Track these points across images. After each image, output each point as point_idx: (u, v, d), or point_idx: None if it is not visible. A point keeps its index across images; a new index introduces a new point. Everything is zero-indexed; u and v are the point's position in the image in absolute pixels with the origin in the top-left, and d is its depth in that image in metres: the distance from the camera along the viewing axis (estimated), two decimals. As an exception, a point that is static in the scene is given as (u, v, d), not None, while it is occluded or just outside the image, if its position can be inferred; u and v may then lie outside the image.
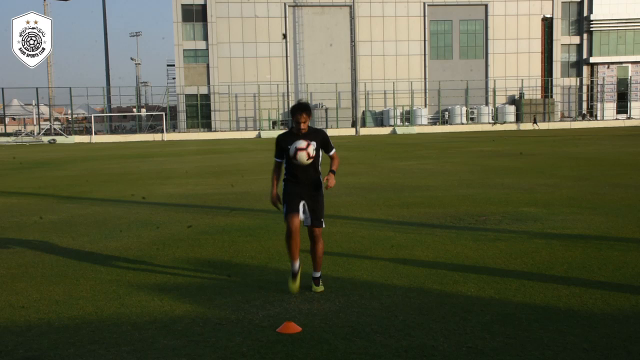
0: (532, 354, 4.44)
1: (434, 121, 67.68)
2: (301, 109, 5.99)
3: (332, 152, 6.28)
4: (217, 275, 6.94)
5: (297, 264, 6.05)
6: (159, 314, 5.61)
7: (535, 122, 61.85)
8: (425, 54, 68.06)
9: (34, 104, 65.30)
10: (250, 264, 7.44)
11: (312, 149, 5.94)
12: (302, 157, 5.92)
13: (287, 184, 6.20)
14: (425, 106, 68.04)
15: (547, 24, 69.75)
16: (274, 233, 9.20)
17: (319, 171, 6.22)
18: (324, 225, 6.23)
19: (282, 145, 6.09)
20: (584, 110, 72.79)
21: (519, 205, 11.47)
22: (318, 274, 6.26)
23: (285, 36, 65.43)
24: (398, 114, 65.67)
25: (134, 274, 7.07)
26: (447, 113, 67.54)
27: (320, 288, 6.19)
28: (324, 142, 6.17)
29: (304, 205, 6.08)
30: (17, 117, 74.66)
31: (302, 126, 6.01)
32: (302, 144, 5.92)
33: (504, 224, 9.63)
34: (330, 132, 59.53)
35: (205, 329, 5.14)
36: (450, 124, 65.53)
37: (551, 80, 70.06)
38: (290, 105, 63.08)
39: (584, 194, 12.75)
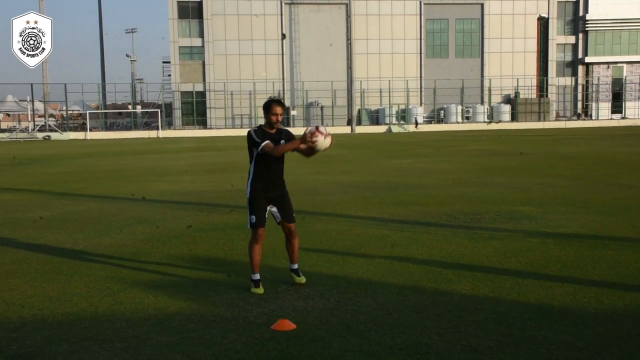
0: (526, 353, 4.45)
1: (429, 120, 67.69)
2: (278, 102, 6.08)
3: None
4: (212, 272, 6.93)
5: (258, 274, 6.21)
6: (153, 310, 5.60)
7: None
8: (421, 53, 68.07)
9: (28, 100, 64.98)
10: (245, 262, 7.41)
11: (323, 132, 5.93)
12: (325, 142, 5.91)
13: (253, 186, 6.14)
14: (421, 105, 68.06)
15: (543, 24, 69.82)
16: (269, 231, 9.16)
17: (283, 170, 6.30)
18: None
19: (255, 143, 6.00)
20: (579, 110, 72.94)
21: (513, 204, 11.49)
22: (296, 266, 6.41)
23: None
24: (394, 112, 65.68)
25: (129, 271, 7.06)
26: (442, 112, 67.60)
27: (303, 279, 6.32)
28: (288, 139, 6.15)
29: (269, 209, 6.21)
30: (12, 113, 74.35)
31: (279, 118, 6.07)
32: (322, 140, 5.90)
33: (498, 222, 9.65)
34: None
35: (200, 326, 5.14)
36: (446, 123, 65.59)
37: (546, 80, 70.17)
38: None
39: (579, 193, 12.78)
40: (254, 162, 6.15)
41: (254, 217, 6.13)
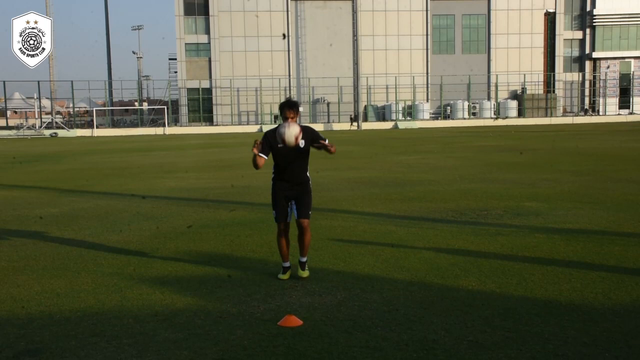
0: (533, 348, 4.45)
1: (435, 116, 67.57)
2: (289, 105, 6.28)
3: (322, 141, 6.31)
4: (218, 268, 6.95)
5: (288, 263, 6.48)
6: (160, 307, 5.62)
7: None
8: (427, 49, 67.85)
9: (35, 98, 65.17)
10: (251, 258, 7.45)
11: (300, 137, 6.11)
12: (291, 134, 6.03)
13: (275, 183, 6.41)
14: (427, 101, 67.90)
15: (550, 19, 69.48)
16: (275, 227, 9.18)
17: (307, 168, 6.44)
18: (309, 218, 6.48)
19: (271, 143, 6.26)
20: (586, 106, 72.63)
21: (520, 199, 11.47)
22: (304, 259, 6.50)
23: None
24: (400, 108, 65.60)
25: (136, 267, 7.08)
26: (449, 108, 67.44)
27: (306, 273, 6.43)
28: (314, 137, 6.30)
29: (291, 204, 6.40)
30: (19, 110, 74.61)
31: (290, 122, 6.20)
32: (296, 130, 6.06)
33: (505, 218, 9.63)
34: (332, 127, 59.66)
35: (207, 322, 5.16)
36: (452, 119, 65.46)
37: (553, 75, 69.86)
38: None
39: (586, 189, 12.74)
40: (273, 160, 6.38)
41: (274, 212, 6.46)
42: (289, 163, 6.26)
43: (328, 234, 8.58)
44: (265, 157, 6.28)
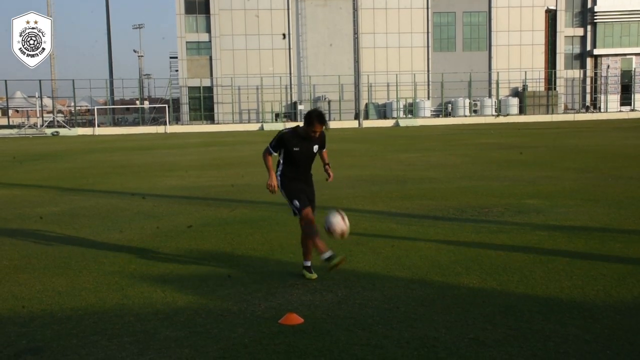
0: (534, 346, 4.45)
1: (436, 113, 67.52)
2: (320, 119, 6.12)
3: (324, 150, 6.54)
4: (219, 267, 6.95)
5: (329, 253, 6.08)
6: (161, 305, 5.62)
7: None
8: (428, 46, 67.79)
9: (37, 96, 65.16)
10: (252, 256, 7.45)
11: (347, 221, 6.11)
12: (341, 228, 6.07)
13: (285, 179, 6.33)
14: (428, 98, 67.86)
15: (551, 16, 69.39)
16: (276, 225, 9.21)
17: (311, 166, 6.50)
18: None
19: (287, 146, 6.22)
20: (588, 103, 72.53)
21: (521, 197, 11.46)
22: (309, 263, 6.41)
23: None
24: (401, 106, 65.56)
25: (137, 266, 7.09)
26: (450, 105, 67.39)
27: (314, 275, 6.34)
28: (323, 143, 6.44)
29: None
30: (21, 109, 74.62)
31: (317, 135, 6.21)
32: (339, 220, 6.05)
33: (506, 216, 9.62)
34: (333, 125, 59.64)
35: (208, 321, 5.16)
36: (453, 117, 65.39)
37: (555, 73, 69.75)
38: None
39: (587, 186, 12.72)
40: (282, 158, 6.33)
41: (296, 201, 6.21)
42: (302, 164, 6.31)
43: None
44: (276, 154, 6.33)
